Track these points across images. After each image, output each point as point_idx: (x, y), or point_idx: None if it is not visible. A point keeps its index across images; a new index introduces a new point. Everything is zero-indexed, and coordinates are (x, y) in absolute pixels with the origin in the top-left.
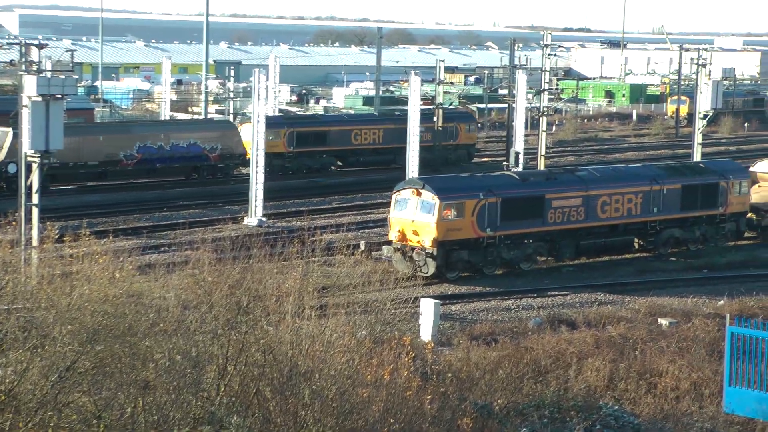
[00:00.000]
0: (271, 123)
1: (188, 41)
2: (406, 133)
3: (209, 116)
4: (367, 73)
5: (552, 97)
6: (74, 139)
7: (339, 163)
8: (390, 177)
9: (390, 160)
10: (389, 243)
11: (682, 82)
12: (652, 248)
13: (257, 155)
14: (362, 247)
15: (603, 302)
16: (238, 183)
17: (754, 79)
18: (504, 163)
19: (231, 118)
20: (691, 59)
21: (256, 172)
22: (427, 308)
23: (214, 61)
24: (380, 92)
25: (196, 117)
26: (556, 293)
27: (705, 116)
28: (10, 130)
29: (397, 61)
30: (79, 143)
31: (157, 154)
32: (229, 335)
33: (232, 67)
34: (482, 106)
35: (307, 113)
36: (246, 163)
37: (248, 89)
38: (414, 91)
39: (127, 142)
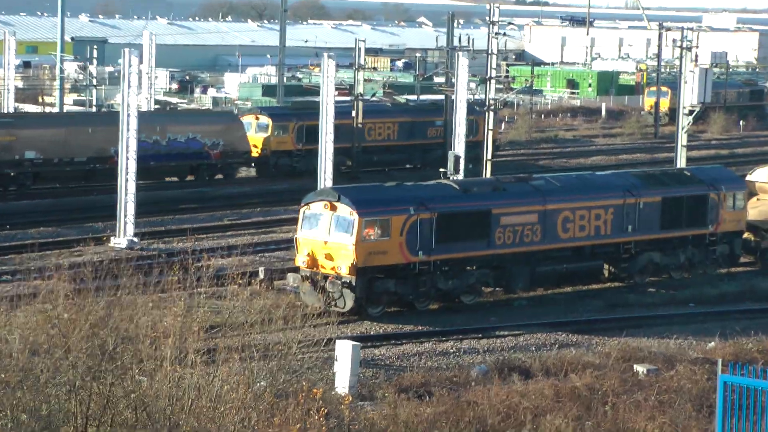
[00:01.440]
0: (278, 115)
1: (38, 13)
2: (424, 127)
3: (96, 109)
4: (268, 56)
5: (501, 86)
6: (60, 130)
7: (348, 163)
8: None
9: (405, 159)
10: (296, 270)
11: (663, 70)
12: (626, 277)
13: (127, 159)
14: (261, 275)
15: (565, 344)
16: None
17: (751, 65)
18: (441, 170)
19: (94, 110)
20: (674, 41)
21: (126, 180)
22: (344, 352)
23: (72, 39)
24: (284, 79)
25: (197, 108)
26: (506, 333)
27: (691, 112)
28: None
29: (306, 41)
30: (65, 136)
31: (151, 150)
32: (91, 388)
33: (95, 46)
34: (413, 97)
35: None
36: (250, 162)
37: (116, 74)
38: (327, 78)
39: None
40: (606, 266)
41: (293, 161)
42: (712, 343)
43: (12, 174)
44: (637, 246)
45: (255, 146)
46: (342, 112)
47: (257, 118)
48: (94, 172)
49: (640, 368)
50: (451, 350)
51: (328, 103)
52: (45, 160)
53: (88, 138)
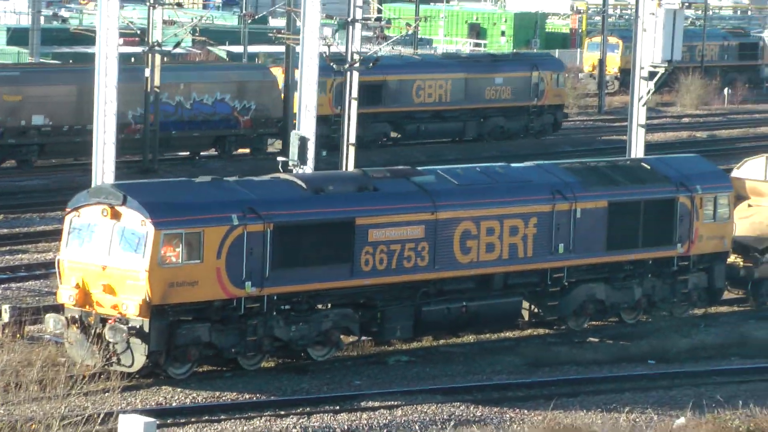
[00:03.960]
0: None
1: None
2: (485, 86)
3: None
4: None
5: (371, 34)
6: (70, 89)
7: (393, 134)
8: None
9: (459, 130)
10: (59, 309)
11: (611, 11)
12: (556, 321)
13: None
14: (5, 317)
15: (464, 421)
16: None
17: (740, 6)
18: (280, 159)
19: None
20: None
21: None
22: None
23: None
24: (41, 21)
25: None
26: (377, 404)
27: (652, 75)
28: None
29: None
30: (78, 96)
31: (173, 116)
32: None
33: None
34: (238, 49)
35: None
36: (281, 133)
37: None
38: (107, 18)
39: (140, 95)
40: (526, 305)
41: (331, 131)
42: (682, 419)
43: (14, 144)
44: (571, 275)
45: None
46: (388, 65)
47: (284, 72)
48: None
49: None
50: (294, 429)
51: (108, 56)
52: (54, 128)
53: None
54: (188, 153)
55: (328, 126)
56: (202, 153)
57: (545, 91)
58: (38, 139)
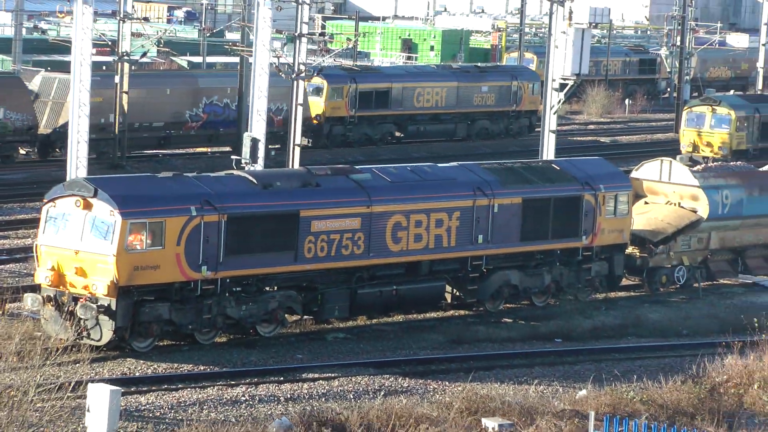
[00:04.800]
0: (333, 77)
1: None
2: (473, 93)
3: None
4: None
5: (315, 47)
6: (140, 92)
7: (398, 134)
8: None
9: (451, 131)
10: (36, 289)
11: (527, 29)
12: (475, 303)
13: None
14: None
15: (393, 391)
16: None
17: (641, 27)
18: (233, 157)
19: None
20: None
21: None
22: (99, 400)
23: None
24: (23, 31)
25: None
26: (316, 376)
27: (563, 87)
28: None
29: None
30: (145, 98)
31: (221, 116)
32: None
33: None
34: (197, 59)
35: (368, 65)
36: (308, 131)
37: None
38: (82, 30)
39: (195, 97)
40: (449, 289)
41: (346, 130)
42: (584, 391)
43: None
44: (489, 262)
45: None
46: (393, 74)
47: (308, 80)
48: (169, 138)
49: (489, 423)
50: (243, 398)
51: (81, 63)
52: (130, 125)
53: (166, 101)
54: (230, 148)
55: (344, 125)
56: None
57: (523, 98)
58: (114, 134)
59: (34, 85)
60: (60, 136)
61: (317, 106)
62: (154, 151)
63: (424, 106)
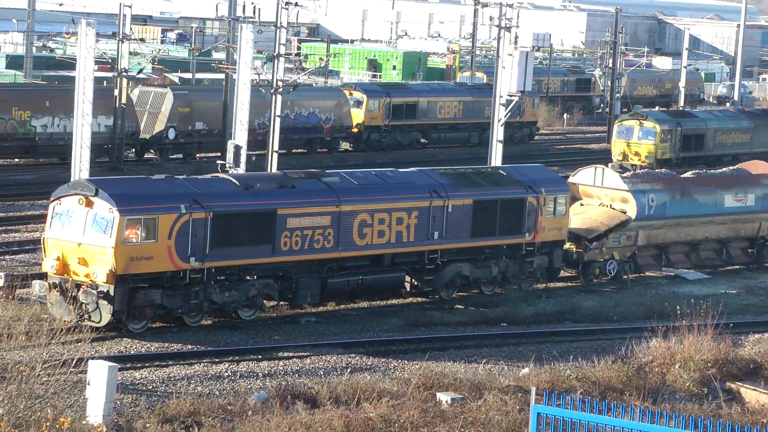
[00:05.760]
0: (372, 92)
1: None
2: (484, 107)
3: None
4: (14, 20)
5: (291, 66)
6: (219, 103)
7: (423, 140)
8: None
9: (466, 138)
10: (43, 277)
11: (478, 52)
12: (431, 291)
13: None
14: (1, 282)
15: (358, 369)
16: None
17: (578, 50)
18: (219, 162)
19: None
20: (491, 18)
21: None
22: (99, 375)
23: None
24: (33, 49)
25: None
26: (291, 354)
27: (508, 102)
28: (168, 90)
29: (61, 4)
30: (223, 108)
31: (283, 124)
32: None
33: None
34: (187, 75)
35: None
36: (350, 137)
37: None
38: (85, 49)
39: (262, 108)
40: (408, 279)
41: (381, 136)
42: (526, 369)
43: (183, 142)
44: (443, 255)
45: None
46: (420, 90)
47: (350, 94)
48: None
49: (443, 397)
50: (226, 373)
51: (85, 79)
52: (208, 131)
53: None
54: (285, 151)
55: (379, 133)
56: (292, 150)
57: (525, 111)
58: (198, 139)
59: (132, 96)
60: (157, 140)
61: (358, 116)
62: (149, 156)
63: (445, 117)
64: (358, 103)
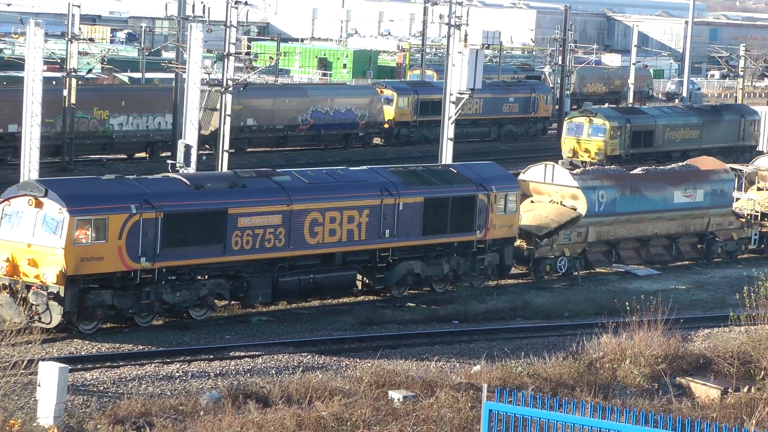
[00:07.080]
0: (402, 89)
1: None
2: (503, 103)
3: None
4: None
5: (241, 65)
6: (269, 101)
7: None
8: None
9: (486, 133)
10: None
11: (429, 50)
12: (382, 289)
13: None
14: None
15: (310, 367)
16: None
17: (527, 48)
18: (169, 162)
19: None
20: (441, 16)
21: None
22: (49, 376)
23: None
24: None
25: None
26: (242, 354)
27: (458, 100)
28: None
29: (9, 4)
30: (273, 105)
31: (323, 120)
32: None
33: None
34: (137, 75)
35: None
36: (382, 132)
37: None
38: (34, 49)
39: (306, 105)
40: (360, 277)
41: (410, 131)
42: (478, 367)
43: (234, 137)
44: (395, 254)
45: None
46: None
47: (381, 91)
48: (286, 138)
49: (395, 395)
50: (178, 374)
51: (34, 79)
52: (258, 127)
53: (286, 108)
54: (323, 146)
55: (408, 128)
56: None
57: (539, 107)
58: (249, 134)
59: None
60: (213, 136)
61: (389, 112)
62: (98, 156)
63: (467, 113)
64: (389, 101)
